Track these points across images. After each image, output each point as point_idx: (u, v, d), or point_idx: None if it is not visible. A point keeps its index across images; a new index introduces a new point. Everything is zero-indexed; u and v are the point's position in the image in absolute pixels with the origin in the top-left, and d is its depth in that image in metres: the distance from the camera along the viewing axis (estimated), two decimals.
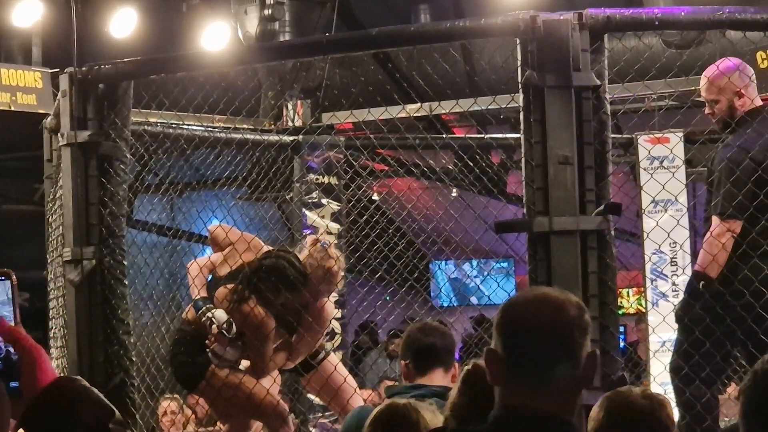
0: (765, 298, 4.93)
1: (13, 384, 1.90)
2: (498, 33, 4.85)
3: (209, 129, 7.31)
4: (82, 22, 9.31)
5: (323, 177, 8.39)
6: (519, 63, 4.50)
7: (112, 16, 10.33)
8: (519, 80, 4.48)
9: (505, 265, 14.24)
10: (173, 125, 7.06)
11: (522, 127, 4.47)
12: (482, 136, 9.72)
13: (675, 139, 7.94)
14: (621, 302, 12.75)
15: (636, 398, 3.30)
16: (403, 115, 7.67)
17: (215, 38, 10.23)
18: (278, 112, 9.89)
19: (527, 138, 4.43)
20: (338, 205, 8.46)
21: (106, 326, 5.43)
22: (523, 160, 4.48)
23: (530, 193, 4.42)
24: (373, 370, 10.81)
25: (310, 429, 7.53)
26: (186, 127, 7.14)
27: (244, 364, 5.76)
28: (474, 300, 13.56)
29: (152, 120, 6.70)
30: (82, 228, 5.45)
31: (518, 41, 4.51)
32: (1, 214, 12.82)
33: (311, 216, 8.35)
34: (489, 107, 6.80)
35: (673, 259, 7.99)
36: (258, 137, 8.05)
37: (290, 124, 9.68)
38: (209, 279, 5.78)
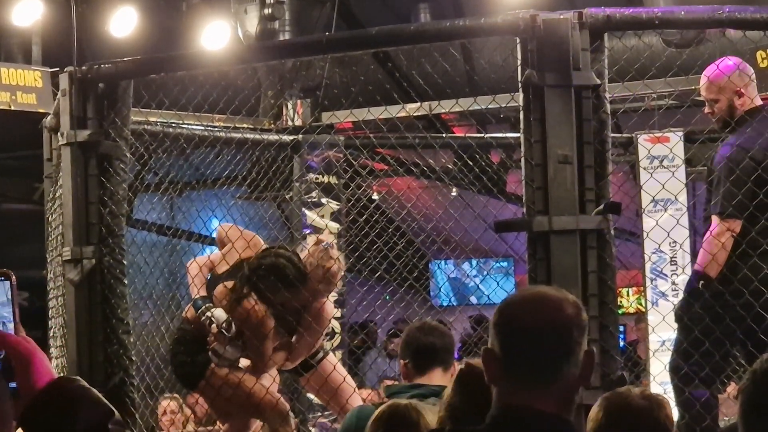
0: (764, 298, 4.93)
1: (13, 385, 1.90)
2: (498, 32, 4.85)
3: (209, 128, 7.31)
4: (82, 21, 9.30)
5: (323, 176, 8.39)
6: (519, 62, 4.50)
7: (112, 15, 10.32)
8: (519, 79, 4.48)
9: (504, 264, 14.25)
10: (173, 124, 7.05)
11: (522, 126, 4.47)
12: (482, 135, 9.72)
13: (675, 139, 7.94)
14: (620, 301, 12.76)
15: (635, 398, 3.30)
16: (402, 114, 7.67)
17: (215, 37, 10.23)
18: (278, 112, 9.88)
19: (527, 137, 4.43)
20: (338, 205, 8.46)
21: (105, 325, 5.43)
22: (522, 159, 4.48)
23: (530, 193, 4.42)
24: (372, 370, 10.82)
25: (310, 428, 7.53)
26: (186, 126, 7.14)
27: (244, 363, 5.76)
28: (473, 299, 13.57)
29: (152, 119, 6.70)
30: (81, 227, 5.46)
31: (518, 40, 4.51)
32: (1, 213, 12.82)
33: (311, 215, 8.35)
34: (489, 106, 6.80)
35: (673, 259, 7.99)
36: (258, 136, 8.05)
37: (290, 123, 9.68)
38: (208, 278, 5.78)
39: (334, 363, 6.09)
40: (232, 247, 5.72)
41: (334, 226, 8.36)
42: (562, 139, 4.37)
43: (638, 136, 8.15)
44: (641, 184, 7.70)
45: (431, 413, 3.35)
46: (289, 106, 9.83)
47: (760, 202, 5.02)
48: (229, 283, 5.63)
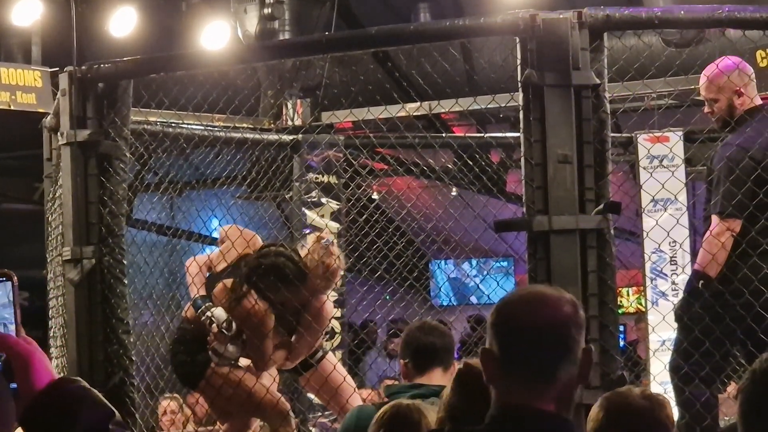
0: (764, 297, 4.93)
1: (13, 386, 1.90)
2: (497, 32, 4.85)
3: (209, 128, 7.31)
4: (81, 21, 9.31)
5: (323, 176, 8.39)
6: (518, 62, 4.50)
7: (112, 15, 10.33)
8: (518, 79, 4.48)
9: (504, 264, 14.25)
10: (173, 124, 7.05)
11: (521, 125, 4.47)
12: (482, 134, 9.73)
13: (674, 138, 7.94)
14: (620, 301, 12.76)
15: (635, 398, 3.30)
16: (402, 114, 7.68)
17: (215, 37, 10.23)
18: (278, 111, 9.88)
19: (527, 137, 4.43)
20: (338, 204, 8.46)
21: (105, 325, 5.43)
22: (522, 158, 4.48)
23: (530, 192, 4.42)
24: (372, 370, 10.82)
25: (310, 428, 7.53)
26: (185, 126, 7.14)
27: (244, 362, 5.76)
28: (474, 299, 13.56)
29: (152, 119, 6.70)
30: (81, 227, 5.46)
31: (518, 40, 4.51)
32: (1, 213, 12.82)
33: (311, 215, 8.35)
34: (488, 106, 6.79)
35: (673, 258, 7.99)
36: (257, 136, 8.05)
37: (290, 123, 9.68)
38: (207, 276, 5.78)
39: (334, 363, 6.08)
40: (231, 245, 5.72)
41: (334, 225, 8.36)
42: (561, 138, 4.37)
43: (638, 135, 8.15)
44: (641, 183, 7.70)
45: (433, 413, 3.35)
46: (289, 105, 9.83)
47: (759, 202, 5.02)
48: (229, 282, 5.63)
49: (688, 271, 6.21)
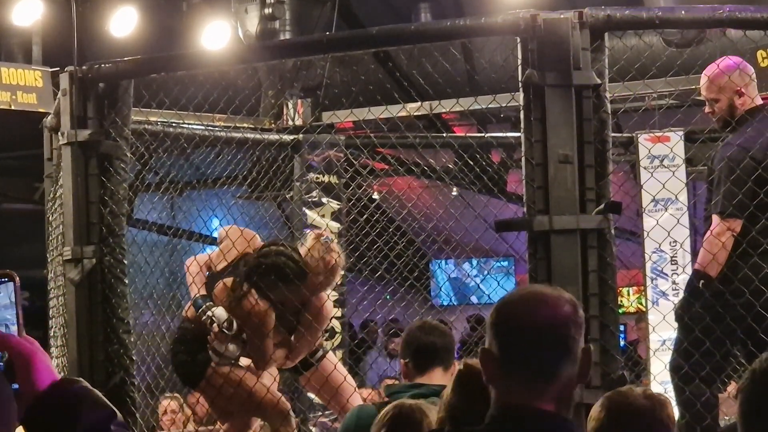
0: (765, 297, 4.93)
1: (15, 386, 1.90)
2: (498, 32, 4.85)
3: (209, 128, 7.32)
4: (82, 21, 9.31)
5: (323, 176, 8.39)
6: (519, 62, 4.50)
7: (113, 14, 10.33)
8: (519, 79, 4.48)
9: (505, 264, 14.25)
10: (173, 124, 7.06)
11: (522, 125, 4.47)
12: (482, 134, 9.73)
13: (675, 138, 7.94)
14: (621, 301, 12.76)
15: (637, 398, 3.30)
16: (403, 113, 7.67)
17: (215, 37, 10.23)
18: (278, 111, 9.88)
19: (527, 137, 4.43)
20: (338, 204, 8.46)
21: (106, 325, 5.43)
22: (523, 158, 4.48)
23: (530, 192, 4.42)
24: (373, 369, 10.82)
25: (310, 428, 7.53)
26: (186, 125, 7.14)
27: (244, 361, 5.76)
28: (474, 299, 13.57)
29: (152, 119, 6.70)
30: (82, 227, 5.46)
31: (519, 40, 4.51)
32: (2, 213, 12.83)
33: (311, 215, 8.35)
34: (489, 106, 6.80)
35: (674, 258, 7.99)
36: (258, 136, 8.05)
37: (290, 122, 9.68)
38: (207, 275, 5.78)
39: (334, 362, 6.08)
40: (230, 244, 5.72)
41: (335, 225, 8.36)
42: (562, 138, 4.37)
43: (639, 135, 8.15)
44: (642, 183, 7.70)
45: (436, 413, 3.35)
46: (290, 105, 9.83)
47: (760, 202, 5.02)
48: (229, 280, 5.63)
49: (689, 270, 6.21)
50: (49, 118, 6.15)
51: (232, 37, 10.37)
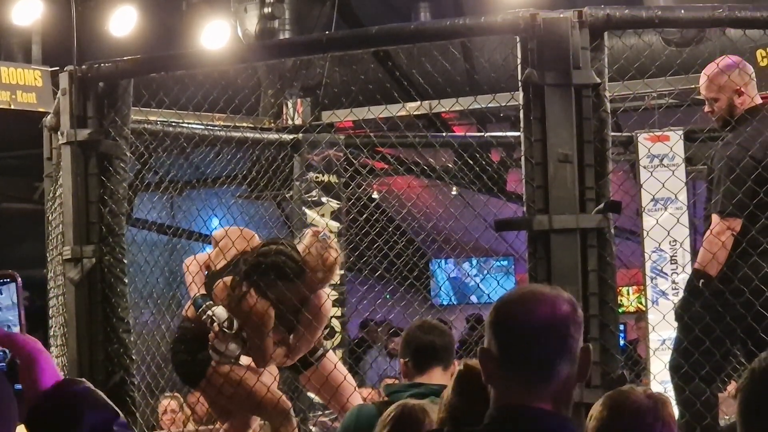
0: (764, 296, 4.93)
1: (18, 386, 1.90)
2: (498, 31, 4.85)
3: (209, 127, 7.31)
4: (82, 20, 9.30)
5: (323, 175, 8.39)
6: (519, 61, 4.50)
7: (112, 14, 10.33)
8: (519, 78, 4.48)
9: (504, 263, 14.25)
10: (173, 123, 7.06)
11: (522, 125, 4.47)
12: (482, 134, 9.73)
13: (675, 137, 7.94)
14: (621, 300, 12.76)
15: (638, 397, 3.30)
16: (402, 113, 7.67)
17: (215, 36, 10.23)
18: (278, 111, 9.87)
19: (527, 136, 4.43)
20: (338, 204, 8.46)
21: (106, 325, 5.43)
22: (523, 158, 4.48)
23: (530, 191, 4.43)
24: (373, 369, 10.82)
25: (310, 427, 7.53)
26: (186, 125, 7.15)
27: (245, 360, 5.76)
28: (474, 298, 13.57)
29: (152, 118, 6.70)
30: (82, 226, 5.46)
31: (518, 39, 4.51)
32: (1, 213, 12.83)
33: (311, 214, 8.35)
34: (489, 105, 6.80)
35: (673, 258, 7.99)
36: (258, 135, 8.05)
37: (290, 122, 9.67)
38: (206, 274, 5.78)
39: (334, 362, 6.09)
40: (230, 243, 5.72)
41: (335, 225, 8.36)
42: (562, 137, 4.37)
43: (638, 134, 8.15)
44: (641, 182, 7.70)
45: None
46: (289, 104, 9.82)
47: (760, 201, 5.02)
48: (228, 279, 5.63)
49: (689, 270, 6.22)
50: (48, 117, 6.15)
51: (232, 37, 10.36)
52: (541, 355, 2.20)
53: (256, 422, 6.00)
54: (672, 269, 7.99)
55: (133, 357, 5.52)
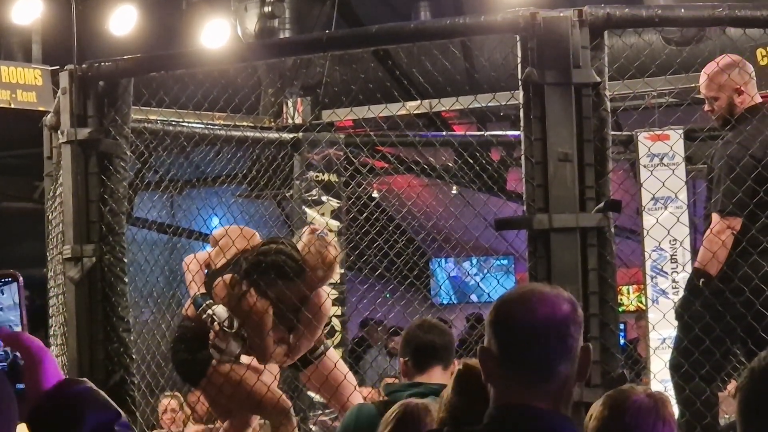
0: (765, 295, 4.93)
1: (20, 386, 1.90)
2: (498, 30, 4.85)
3: (209, 126, 7.31)
4: (82, 19, 9.30)
5: (323, 174, 8.39)
6: (519, 60, 4.50)
7: (112, 13, 10.34)
8: (519, 77, 4.48)
9: (505, 262, 14.25)
10: (173, 122, 7.06)
11: (522, 124, 4.47)
12: (482, 133, 9.73)
13: (675, 136, 7.94)
14: (621, 299, 12.75)
15: (638, 396, 3.30)
16: (402, 112, 7.68)
17: (215, 35, 10.23)
18: (278, 110, 9.87)
19: (527, 135, 4.43)
20: (338, 203, 8.46)
21: (106, 324, 5.43)
22: (523, 157, 4.48)
23: (530, 190, 4.43)
24: (373, 368, 10.82)
25: (310, 426, 7.54)
26: (186, 124, 7.15)
27: (245, 359, 5.76)
28: (474, 297, 13.57)
29: (152, 117, 6.71)
30: (82, 225, 5.46)
31: (518, 38, 4.51)
32: (1, 212, 12.83)
33: (311, 213, 8.35)
34: (489, 104, 6.80)
35: (673, 256, 7.99)
36: (258, 134, 8.05)
37: (290, 121, 9.67)
38: (206, 273, 5.78)
39: (335, 360, 6.08)
40: (230, 242, 5.72)
41: (335, 224, 8.36)
42: (562, 137, 4.37)
43: (638, 133, 8.15)
44: (641, 181, 7.70)
45: None
46: (290, 104, 9.82)
47: (760, 200, 5.02)
48: (228, 278, 5.63)
49: (689, 269, 6.23)
50: (48, 116, 6.15)
51: (232, 36, 10.37)
52: (541, 355, 2.20)
53: (256, 421, 6.00)
54: (672, 268, 7.99)
55: (133, 356, 5.52)
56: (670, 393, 4.98)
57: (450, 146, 8.89)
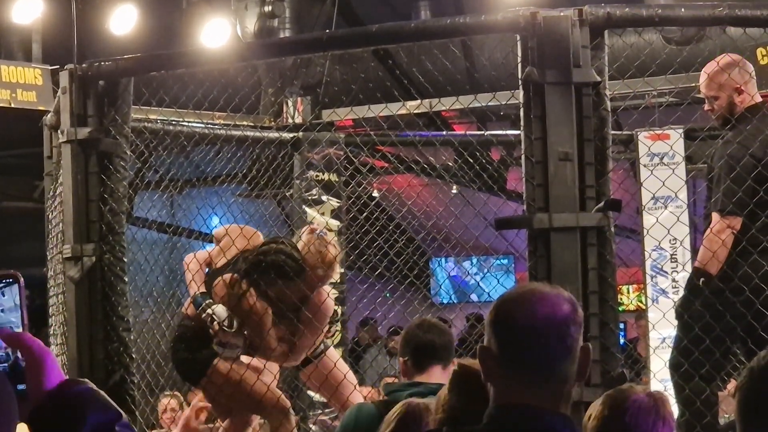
0: (764, 295, 4.93)
1: (21, 387, 1.90)
2: (498, 29, 4.86)
3: (209, 126, 7.32)
4: (82, 18, 9.30)
5: (323, 174, 8.39)
6: (519, 59, 4.50)
7: (113, 12, 10.34)
8: (519, 77, 4.48)
9: (505, 261, 14.25)
10: (173, 122, 7.06)
11: (522, 123, 4.47)
12: (482, 132, 9.73)
13: (675, 136, 7.94)
14: (621, 299, 12.75)
15: (638, 395, 3.30)
16: (403, 111, 7.68)
17: (215, 35, 10.23)
18: (278, 109, 9.88)
19: (527, 134, 4.43)
20: (338, 202, 8.46)
21: (106, 323, 5.43)
22: (523, 156, 4.48)
23: (530, 190, 4.43)
24: (373, 367, 10.83)
25: (310, 426, 7.54)
26: (186, 123, 7.15)
27: (245, 359, 5.76)
28: (474, 297, 13.57)
29: (152, 117, 6.71)
30: (82, 225, 5.46)
31: (518, 38, 4.52)
32: (1, 211, 12.83)
33: (311, 213, 8.35)
34: (489, 104, 6.80)
35: (673, 256, 7.99)
36: (258, 134, 8.05)
37: (290, 120, 9.67)
38: (207, 272, 5.78)
39: (335, 359, 6.08)
40: (230, 242, 5.72)
41: (335, 223, 8.36)
42: (562, 136, 4.38)
43: (638, 133, 8.15)
44: (641, 181, 7.70)
45: None
46: (290, 103, 9.82)
47: (760, 200, 5.02)
48: (228, 277, 5.63)
49: (689, 268, 6.23)
50: (48, 116, 6.15)
51: (232, 35, 10.37)
52: (540, 354, 2.20)
53: (256, 420, 6.00)
54: (672, 267, 7.99)
55: (133, 355, 5.52)
56: (670, 392, 4.98)
57: (450, 146, 8.89)
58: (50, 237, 6.18)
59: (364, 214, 7.52)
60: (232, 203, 7.46)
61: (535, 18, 4.42)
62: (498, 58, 8.20)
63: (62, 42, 8.87)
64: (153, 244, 7.06)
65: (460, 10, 11.01)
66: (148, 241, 7.00)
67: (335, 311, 5.98)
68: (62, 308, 5.68)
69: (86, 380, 1.94)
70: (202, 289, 5.67)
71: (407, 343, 4.25)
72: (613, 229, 4.44)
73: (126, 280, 5.54)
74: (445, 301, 14.56)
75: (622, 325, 9.78)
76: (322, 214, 8.36)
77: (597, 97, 4.44)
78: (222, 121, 7.62)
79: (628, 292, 13.89)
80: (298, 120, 9.60)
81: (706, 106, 5.36)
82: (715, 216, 5.15)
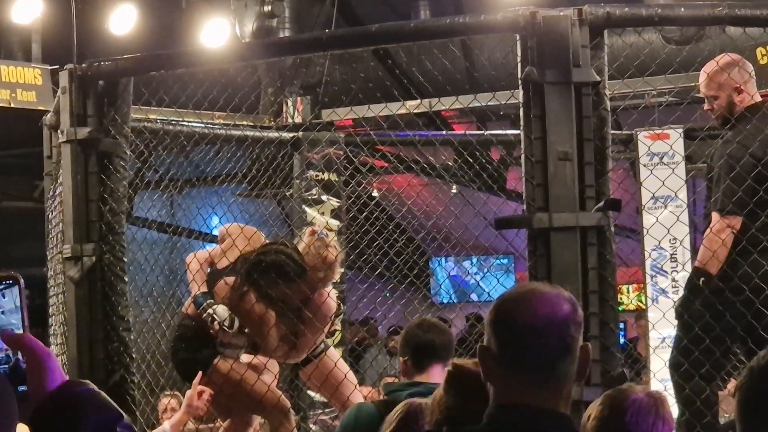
0: (764, 294, 4.93)
1: (22, 388, 1.91)
2: (498, 29, 4.85)
3: (209, 126, 7.31)
4: (81, 18, 9.30)
5: (323, 173, 8.38)
6: (519, 59, 4.50)
7: (112, 12, 10.35)
8: (519, 76, 4.48)
9: (504, 261, 14.25)
10: (173, 122, 7.06)
11: (522, 123, 4.47)
12: (482, 132, 9.73)
13: (675, 135, 7.94)
14: (621, 298, 12.76)
15: (637, 395, 3.30)
16: (402, 111, 7.68)
17: (215, 35, 10.24)
18: (278, 109, 9.88)
19: (527, 134, 4.43)
20: (338, 202, 8.46)
21: (105, 323, 5.43)
22: (522, 156, 4.48)
23: (530, 190, 4.43)
24: (373, 367, 10.83)
25: (310, 426, 7.54)
26: (186, 123, 7.15)
27: (246, 358, 5.76)
28: (474, 297, 13.57)
29: (152, 117, 6.71)
30: (81, 225, 5.46)
31: (518, 37, 4.52)
32: (1, 211, 12.84)
33: (311, 212, 8.35)
34: (489, 103, 6.80)
35: (673, 256, 7.99)
36: (258, 134, 8.05)
37: (290, 120, 9.68)
38: (208, 272, 5.78)
39: (335, 359, 6.08)
40: (232, 242, 5.72)
41: (335, 223, 8.36)
42: (562, 136, 4.38)
43: (638, 132, 8.15)
44: (641, 180, 7.70)
45: None
46: (289, 103, 9.83)
47: (760, 199, 5.02)
48: (230, 279, 5.63)
49: (689, 268, 6.23)
50: (48, 116, 6.15)
51: (232, 35, 10.38)
52: (540, 354, 2.20)
53: (257, 420, 6.00)
54: (672, 267, 8.00)
55: (133, 355, 5.52)
56: (670, 392, 4.99)
57: (450, 145, 8.89)
58: (50, 237, 6.18)
59: (364, 213, 7.52)
60: (232, 203, 7.45)
61: (535, 18, 4.42)
62: (498, 58, 8.20)
63: (62, 42, 8.88)
64: (153, 244, 7.06)
65: (459, 10, 11.02)
66: (148, 241, 7.00)
67: (339, 305, 5.98)
68: (62, 308, 5.68)
69: (87, 381, 1.94)
70: (204, 289, 5.68)
71: (407, 342, 4.25)
72: (612, 228, 4.44)
73: (126, 280, 5.54)
74: (445, 301, 14.56)
75: (622, 325, 9.78)
76: (322, 213, 8.36)
77: (597, 96, 4.44)
78: (222, 121, 7.62)
79: (628, 292, 13.89)
80: (298, 120, 9.61)
81: (706, 106, 5.36)
82: (714, 215, 5.15)
